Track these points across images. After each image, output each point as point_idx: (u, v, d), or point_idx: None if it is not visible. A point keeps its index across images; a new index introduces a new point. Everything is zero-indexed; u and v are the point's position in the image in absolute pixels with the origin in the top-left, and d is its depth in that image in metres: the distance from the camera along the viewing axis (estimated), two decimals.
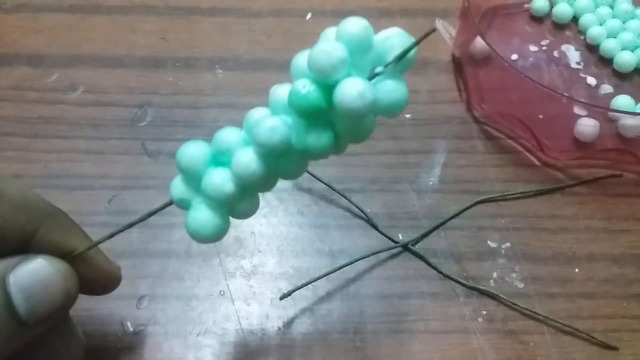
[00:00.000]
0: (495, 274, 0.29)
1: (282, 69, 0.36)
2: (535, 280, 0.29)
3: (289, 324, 0.28)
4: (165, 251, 0.29)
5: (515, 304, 0.28)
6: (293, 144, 0.19)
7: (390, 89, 0.18)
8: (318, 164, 0.32)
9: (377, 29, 0.18)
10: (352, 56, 0.17)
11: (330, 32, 0.18)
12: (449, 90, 0.36)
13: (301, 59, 0.18)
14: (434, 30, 0.17)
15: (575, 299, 0.29)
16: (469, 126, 0.34)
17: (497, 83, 0.33)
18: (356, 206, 0.31)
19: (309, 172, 0.31)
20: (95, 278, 0.22)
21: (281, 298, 0.27)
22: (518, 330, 0.28)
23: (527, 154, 0.33)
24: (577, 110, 0.31)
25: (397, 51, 0.17)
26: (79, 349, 0.23)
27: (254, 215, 0.31)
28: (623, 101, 0.34)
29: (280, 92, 0.19)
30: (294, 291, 0.28)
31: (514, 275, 0.29)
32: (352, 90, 0.17)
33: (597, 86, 0.36)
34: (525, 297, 0.28)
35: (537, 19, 0.39)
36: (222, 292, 0.28)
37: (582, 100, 0.32)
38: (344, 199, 0.31)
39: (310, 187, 0.32)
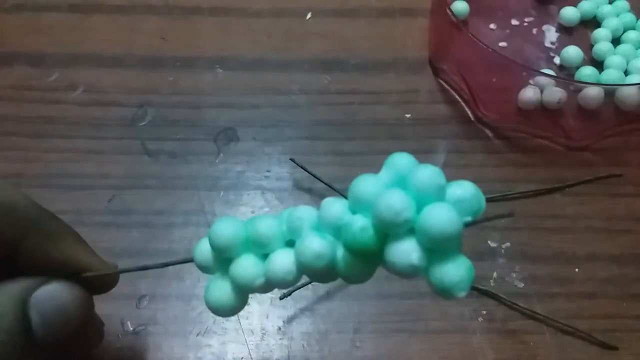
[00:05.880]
0: (495, 274, 0.29)
1: (282, 69, 0.37)
2: (535, 280, 0.29)
3: (289, 323, 0.28)
4: (165, 251, 0.29)
5: (515, 304, 0.28)
6: (336, 269, 0.18)
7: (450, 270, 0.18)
8: (318, 163, 0.32)
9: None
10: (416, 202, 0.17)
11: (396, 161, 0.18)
12: (449, 90, 0.36)
13: (365, 187, 0.18)
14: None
15: (575, 299, 0.29)
16: (469, 126, 0.34)
17: (459, 43, 0.34)
18: None
19: (309, 172, 0.31)
20: (93, 282, 0.22)
21: (281, 298, 0.27)
22: (518, 330, 0.28)
23: (526, 153, 0.33)
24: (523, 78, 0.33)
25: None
26: (98, 336, 0.23)
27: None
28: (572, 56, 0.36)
29: (334, 210, 0.18)
30: (294, 291, 0.27)
31: (514, 275, 0.29)
32: (403, 256, 0.17)
33: (560, 66, 0.37)
34: (525, 297, 0.28)
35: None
36: None
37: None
38: (344, 198, 0.31)
39: (310, 187, 0.32)
